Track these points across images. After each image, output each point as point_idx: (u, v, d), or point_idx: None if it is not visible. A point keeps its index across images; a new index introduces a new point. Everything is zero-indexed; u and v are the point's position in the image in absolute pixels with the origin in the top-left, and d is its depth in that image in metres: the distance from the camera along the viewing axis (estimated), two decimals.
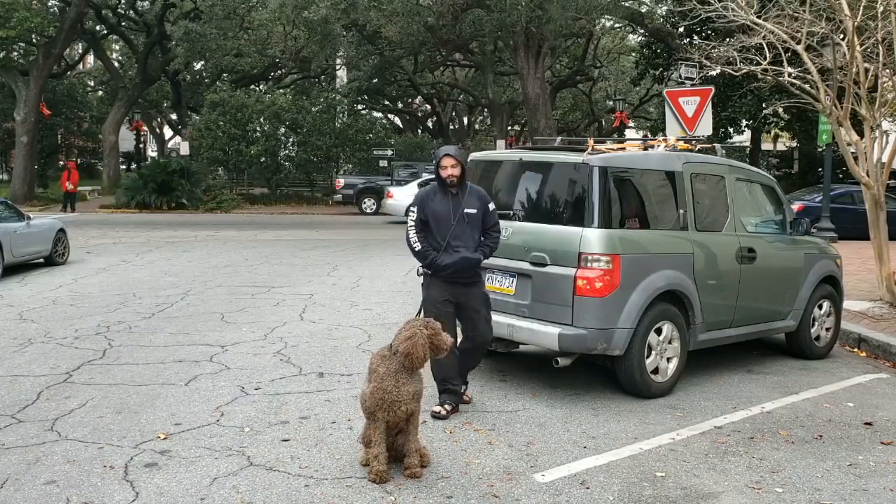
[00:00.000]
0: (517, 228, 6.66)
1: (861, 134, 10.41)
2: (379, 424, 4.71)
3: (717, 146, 8.11)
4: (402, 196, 22.98)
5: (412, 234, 5.93)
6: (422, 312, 5.85)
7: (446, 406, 5.91)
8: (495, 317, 6.45)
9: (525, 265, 6.49)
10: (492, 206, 6.01)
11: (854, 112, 10.30)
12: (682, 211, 6.76)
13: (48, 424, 5.56)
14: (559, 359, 6.39)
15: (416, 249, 5.93)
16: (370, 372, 4.92)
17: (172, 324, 9.02)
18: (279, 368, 7.16)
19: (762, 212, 7.90)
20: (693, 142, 8.21)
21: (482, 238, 5.96)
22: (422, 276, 6.08)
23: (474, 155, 7.60)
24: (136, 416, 5.77)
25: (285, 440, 5.32)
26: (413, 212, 5.99)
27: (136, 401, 6.12)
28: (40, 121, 32.63)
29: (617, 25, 36.79)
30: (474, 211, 5.88)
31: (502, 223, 6.40)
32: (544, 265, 6.35)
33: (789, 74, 10.29)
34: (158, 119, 52.35)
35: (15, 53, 34.09)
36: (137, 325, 8.90)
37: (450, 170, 5.79)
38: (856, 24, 9.34)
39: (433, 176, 6.11)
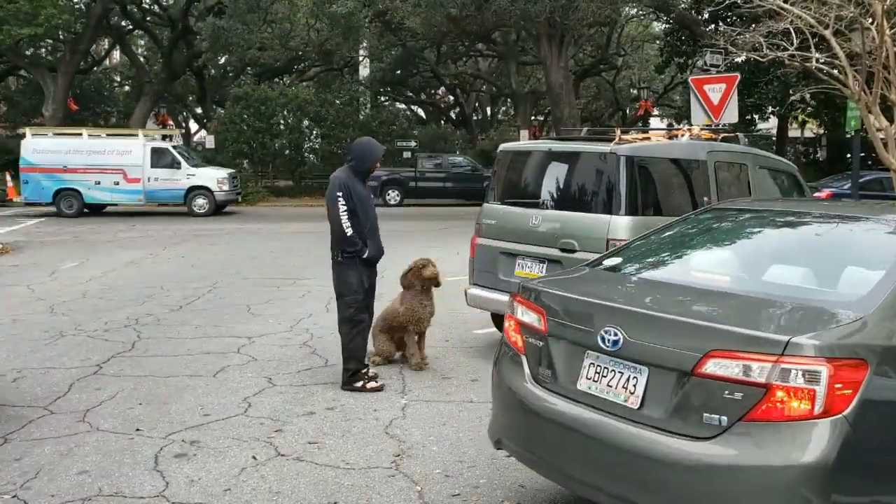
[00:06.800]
0: (546, 216, 6.81)
1: (891, 119, 10.25)
2: (412, 334, 6.77)
3: (740, 135, 8.17)
4: None
5: (345, 219, 6.05)
6: (361, 294, 6.24)
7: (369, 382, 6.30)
8: None
9: (554, 251, 6.63)
10: None
11: (883, 97, 10.15)
12: (706, 198, 6.82)
13: (80, 416, 5.65)
14: None
15: (348, 235, 6.09)
16: (401, 296, 6.86)
17: (200, 316, 9.12)
18: (305, 360, 7.22)
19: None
20: (718, 129, 8.24)
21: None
22: (343, 260, 6.17)
23: (505, 146, 7.78)
24: (166, 407, 5.85)
25: (312, 431, 5.37)
26: (341, 198, 6.08)
27: (165, 392, 6.21)
28: (68, 116, 32.96)
29: (641, 13, 36.45)
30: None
31: (532, 211, 6.79)
32: (573, 251, 6.48)
33: (817, 60, 10.15)
34: (184, 113, 52.69)
35: (43, 50, 34.47)
36: (166, 318, 9.01)
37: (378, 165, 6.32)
38: (885, 7, 9.19)
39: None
